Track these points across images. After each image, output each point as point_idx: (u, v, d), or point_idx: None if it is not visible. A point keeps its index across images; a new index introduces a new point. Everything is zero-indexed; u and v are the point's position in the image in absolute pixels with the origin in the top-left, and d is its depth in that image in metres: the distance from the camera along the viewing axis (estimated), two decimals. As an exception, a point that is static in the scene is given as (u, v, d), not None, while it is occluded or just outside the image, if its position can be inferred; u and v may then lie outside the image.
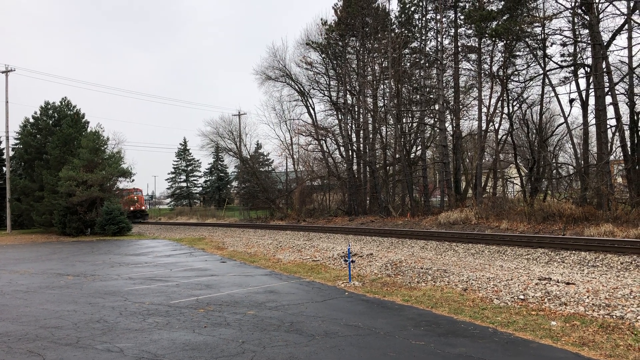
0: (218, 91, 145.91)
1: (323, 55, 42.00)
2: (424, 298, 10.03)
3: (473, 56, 33.74)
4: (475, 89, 34.44)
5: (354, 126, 40.88)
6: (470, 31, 33.14)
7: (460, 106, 35.49)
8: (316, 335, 7.52)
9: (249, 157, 57.49)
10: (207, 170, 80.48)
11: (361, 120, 39.47)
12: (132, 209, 50.75)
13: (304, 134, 45.62)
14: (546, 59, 29.15)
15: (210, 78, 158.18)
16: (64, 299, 11.17)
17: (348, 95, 41.17)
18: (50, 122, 43.25)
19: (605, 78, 24.50)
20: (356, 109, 40.86)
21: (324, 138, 43.17)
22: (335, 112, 42.80)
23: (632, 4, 23.85)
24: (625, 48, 24.93)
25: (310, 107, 44.81)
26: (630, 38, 24.35)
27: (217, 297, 10.87)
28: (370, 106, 38.63)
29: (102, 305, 10.39)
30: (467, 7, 33.28)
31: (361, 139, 40.11)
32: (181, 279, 13.79)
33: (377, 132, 39.42)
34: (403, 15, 37.48)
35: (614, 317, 7.94)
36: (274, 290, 11.59)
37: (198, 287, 12.30)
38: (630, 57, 24.41)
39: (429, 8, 35.75)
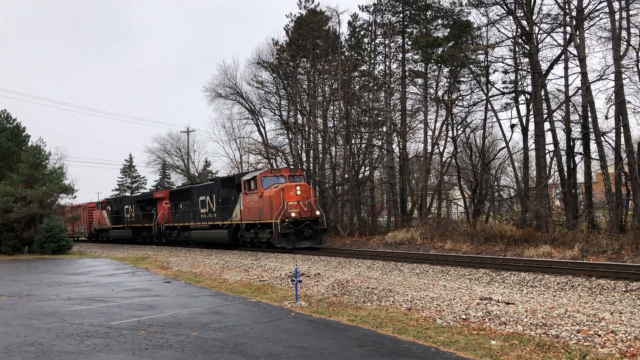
0: (167, 107, 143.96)
1: (274, 75, 42.15)
2: (369, 318, 10.11)
3: (420, 81, 34.65)
4: (421, 112, 35.32)
5: (304, 146, 41.07)
6: (417, 56, 34.09)
7: (407, 129, 36.31)
8: (260, 357, 7.46)
9: (197, 174, 56.73)
10: (153, 188, 78.80)
11: (311, 140, 39.71)
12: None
13: (253, 152, 45.48)
14: (489, 85, 30.30)
15: (158, 94, 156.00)
16: (-4, 321, 10.65)
17: (299, 115, 41.39)
18: (-12, 135, 41.42)
19: (544, 105, 25.65)
20: (306, 129, 41.10)
21: (274, 157, 43.12)
22: (285, 132, 42.89)
23: (568, 36, 25.17)
24: (562, 77, 26.26)
25: (260, 126, 44.78)
26: (566, 68, 25.66)
27: (160, 318, 10.62)
28: (321, 126, 38.96)
29: (38, 327, 9.97)
30: (414, 33, 34.26)
31: (311, 159, 40.31)
32: (123, 300, 13.40)
33: (327, 152, 39.74)
34: (353, 39, 38.21)
35: (550, 335, 8.23)
36: (219, 311, 11.42)
37: (140, 308, 11.98)
38: (566, 85, 25.69)
39: (378, 33, 36.59)
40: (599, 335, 7.92)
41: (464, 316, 9.71)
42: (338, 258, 20.75)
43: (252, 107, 44.43)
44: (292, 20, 39.39)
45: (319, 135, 39.25)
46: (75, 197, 41.90)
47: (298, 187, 24.33)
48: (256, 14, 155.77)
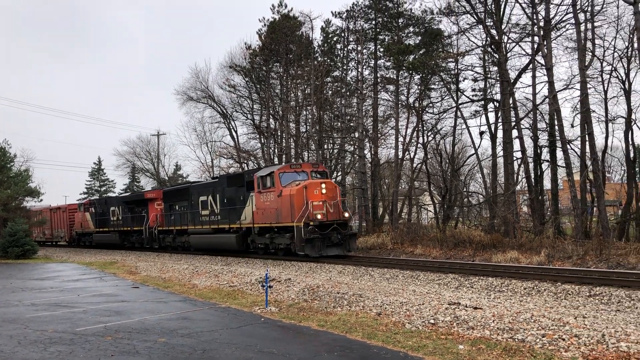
0: (137, 110, 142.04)
1: (247, 79, 42.04)
2: (339, 323, 10.12)
3: (391, 87, 35.04)
4: (393, 118, 35.66)
5: (276, 150, 41.01)
6: (389, 63, 34.46)
7: (379, 135, 36.59)
8: (229, 363, 7.39)
9: (167, 178, 56.10)
10: (122, 192, 77.60)
11: (284, 144, 39.68)
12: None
13: (225, 156, 45.25)
14: (459, 93, 30.77)
15: (129, 96, 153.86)
16: (-44, 328, 10.33)
17: (271, 120, 41.35)
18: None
19: (512, 113, 26.13)
20: (279, 134, 41.08)
21: (245, 161, 42.95)
22: (258, 136, 42.81)
23: (535, 46, 25.72)
24: (530, 86, 26.82)
25: (232, 130, 44.57)
26: (534, 77, 26.23)
27: (127, 324, 10.45)
28: (293, 131, 38.97)
29: (-1, 334, 9.70)
30: (386, 40, 34.60)
31: (283, 164, 40.29)
32: (89, 305, 13.14)
33: (300, 157, 39.76)
34: (326, 45, 38.38)
35: (516, 340, 8.36)
36: (188, 316, 11.29)
37: (107, 314, 11.77)
38: (534, 94, 26.25)
39: (351, 39, 36.88)
40: (563, 339, 8.08)
41: (432, 321, 9.79)
42: (309, 263, 20.74)
43: (224, 110, 44.25)
44: (265, 25, 39.41)
45: (291, 140, 39.24)
46: (41, 200, 40.86)
47: (323, 185, 21.08)
48: (229, 18, 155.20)
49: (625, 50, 24.13)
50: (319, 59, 37.78)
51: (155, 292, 15.68)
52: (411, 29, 34.00)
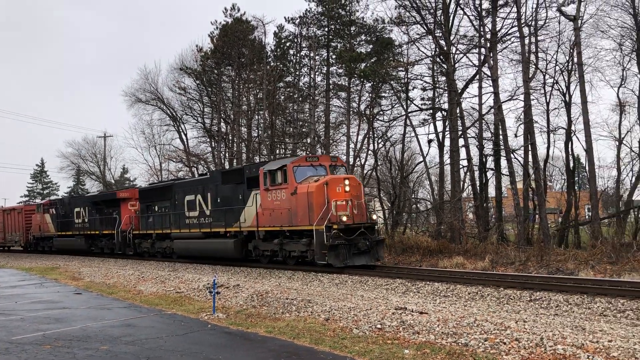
0: (83, 111, 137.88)
1: (198, 82, 41.55)
2: (287, 329, 10.10)
3: (343, 94, 35.33)
4: (344, 125, 35.94)
5: (227, 155, 40.64)
6: (341, 70, 34.75)
7: (331, 141, 36.78)
8: (174, 370, 7.26)
9: (113, 181, 54.67)
10: (66, 194, 75.07)
11: (235, 149, 39.37)
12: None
13: (174, 159, 44.53)
14: (408, 102, 31.35)
15: (75, 96, 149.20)
16: None
17: (222, 124, 41.00)
18: None
19: (459, 122, 26.82)
20: (230, 138, 40.75)
21: (195, 165, 42.37)
22: (208, 140, 42.32)
23: (482, 57, 26.52)
24: (476, 96, 27.62)
25: (182, 133, 43.92)
26: (480, 87, 27.04)
27: (68, 332, 10.10)
28: (245, 136, 38.74)
29: None
30: (338, 47, 34.91)
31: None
32: (27, 313, 12.64)
33: (251, 161, 39.53)
34: (279, 50, 38.38)
35: (460, 344, 8.55)
36: (132, 323, 11.02)
37: (46, 321, 11.34)
38: (480, 104, 27.06)
39: (304, 45, 37.01)
40: (504, 343, 8.32)
41: (379, 326, 9.91)
42: (259, 269, 20.62)
43: (174, 113, 43.58)
44: (217, 28, 39.10)
45: (242, 145, 38.98)
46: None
47: (347, 181, 18.20)
48: (180, 19, 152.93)
49: (566, 64, 25.22)
50: (272, 64, 37.74)
51: (98, 299, 15.24)
52: (363, 37, 34.41)
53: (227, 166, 39.06)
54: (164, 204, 26.41)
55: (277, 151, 38.71)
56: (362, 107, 34.12)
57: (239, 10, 38.90)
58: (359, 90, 34.29)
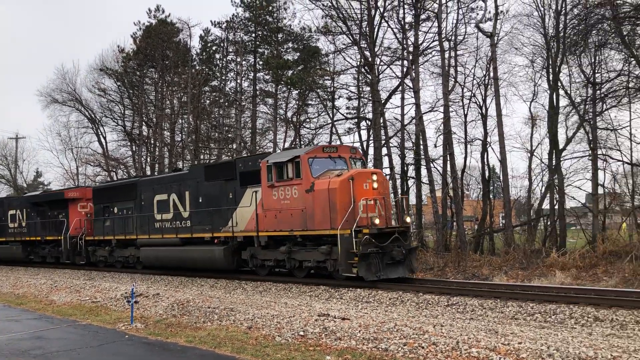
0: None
1: (119, 84, 40.21)
2: (208, 338, 9.92)
3: (270, 101, 35.33)
4: (271, 132, 35.92)
5: (149, 159, 39.52)
6: (268, 77, 34.76)
7: (257, 147, 36.63)
8: (87, 384, 6.95)
9: (25, 185, 51.72)
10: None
11: (157, 153, 38.34)
12: None
13: (92, 163, 42.73)
14: (334, 110, 31.79)
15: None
16: None
17: (144, 127, 39.86)
18: None
19: (382, 132, 27.47)
20: (152, 142, 39.69)
21: (114, 169, 40.86)
22: (129, 143, 40.98)
23: (405, 70, 27.35)
24: (399, 107, 28.40)
25: (101, 136, 42.22)
26: (403, 98, 27.84)
27: (-31, 347, 9.43)
28: (168, 140, 37.85)
29: None
30: (266, 53, 34.92)
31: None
32: None
33: (174, 166, 38.63)
34: (204, 53, 37.89)
35: (380, 349, 8.72)
36: (43, 335, 10.45)
37: (-55, 336, 10.54)
38: (402, 115, 27.84)
39: (230, 50, 36.76)
40: (423, 347, 8.58)
41: (302, 333, 9.93)
42: (180, 277, 20.11)
43: (93, 115, 41.86)
44: (140, 29, 38.10)
45: (165, 149, 38.05)
46: None
47: (375, 176, 15.57)
48: (100, 19, 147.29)
49: (483, 78, 26.44)
50: (197, 68, 37.16)
51: (5, 310, 14.35)
52: (290, 44, 34.61)
53: (148, 172, 37.90)
54: (126, 205, 22.87)
55: (202, 156, 38.09)
56: (289, 114, 34.29)
57: (163, 11, 38.13)
58: (285, 97, 34.45)
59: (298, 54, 33.21)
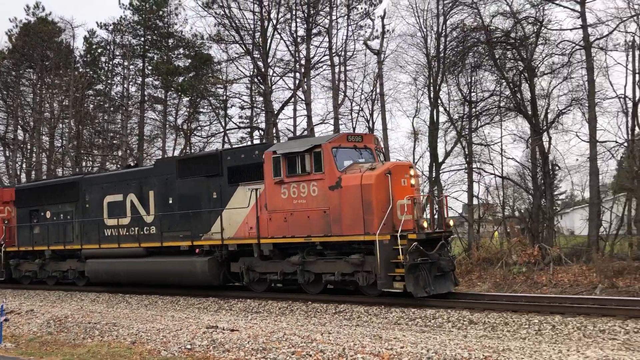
0: None
1: (-10, 83, 37.13)
2: (87, 355, 9.44)
3: (159, 107, 34.35)
4: (160, 139, 34.90)
5: (24, 166, 36.83)
6: (157, 82, 33.84)
7: (145, 155, 35.40)
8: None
9: None
10: None
11: (34, 159, 35.81)
12: None
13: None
14: (227, 119, 31.59)
15: None
16: None
17: (19, 131, 37.09)
18: None
19: (275, 142, 27.69)
20: (29, 147, 37.07)
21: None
22: (1, 148, 37.97)
23: (297, 82, 27.80)
24: (291, 118, 28.79)
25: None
26: (295, 110, 28.28)
27: None
28: (46, 145, 35.51)
29: None
30: (155, 58, 33.95)
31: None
32: None
33: (52, 174, 36.26)
34: (89, 56, 36.14)
35: (269, 359, 8.77)
36: None
37: None
38: (294, 126, 28.25)
39: (117, 53, 35.34)
40: (310, 355, 8.73)
41: (189, 346, 9.74)
42: (58, 292, 18.90)
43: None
44: (17, 26, 35.56)
45: (43, 155, 35.64)
46: None
47: (412, 170, 13.45)
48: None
49: (370, 94, 27.51)
50: (81, 70, 35.29)
51: None
52: (181, 50, 33.94)
53: (23, 179, 35.21)
54: (64, 208, 19.30)
55: (84, 163, 36.14)
56: (180, 121, 33.55)
57: (43, 9, 35.85)
58: (176, 104, 33.69)
59: (189, 60, 32.65)
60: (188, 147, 32.69)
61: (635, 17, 19.46)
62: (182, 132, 32.80)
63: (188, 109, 32.98)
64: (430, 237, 12.73)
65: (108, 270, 17.59)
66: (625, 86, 20.34)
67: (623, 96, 20.27)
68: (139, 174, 17.83)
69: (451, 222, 14.28)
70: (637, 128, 19.97)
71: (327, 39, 25.98)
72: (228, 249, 15.06)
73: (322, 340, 9.61)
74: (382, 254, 12.20)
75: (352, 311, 12.78)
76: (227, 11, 26.90)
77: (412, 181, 13.11)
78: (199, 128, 33.43)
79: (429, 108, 24.48)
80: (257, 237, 14.32)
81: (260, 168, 14.25)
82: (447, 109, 24.65)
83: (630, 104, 20.03)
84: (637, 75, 19.97)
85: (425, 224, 12.76)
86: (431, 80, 24.31)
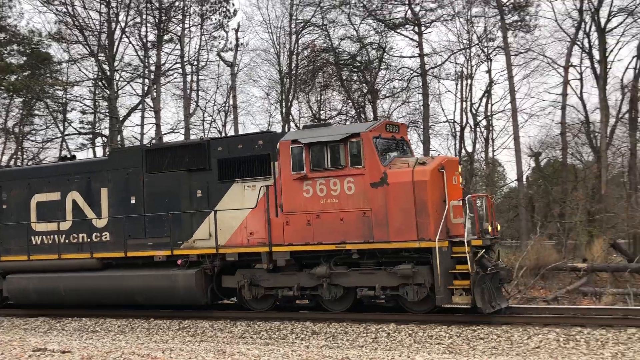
0: None
1: None
2: None
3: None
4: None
5: None
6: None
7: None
8: None
9: None
10: None
11: None
12: None
13: None
14: (66, 123, 29.55)
15: None
16: None
17: None
18: None
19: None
20: None
21: None
22: None
23: (146, 88, 26.86)
24: (139, 125, 27.72)
25: None
26: (143, 117, 27.29)
27: None
28: None
29: None
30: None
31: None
32: None
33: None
34: None
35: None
36: None
37: None
38: (142, 134, 27.27)
39: None
40: (149, 374, 8.43)
41: (11, 372, 8.87)
42: None
43: None
44: None
45: None
46: None
47: (460, 167, 12.04)
48: None
49: (223, 105, 27.44)
50: None
51: None
52: (15, 47, 31.02)
53: None
54: None
55: None
56: (10, 123, 30.67)
57: None
58: (6, 104, 30.69)
59: (25, 58, 29.98)
60: (20, 153, 29.92)
61: (463, 51, 21.81)
62: (12, 136, 29.95)
63: (21, 111, 30.21)
64: (490, 244, 11.20)
65: (42, 289, 14.32)
66: (454, 112, 22.71)
67: (452, 120, 22.56)
68: (85, 167, 14.62)
69: (498, 226, 12.27)
70: (463, 150, 22.28)
71: (179, 46, 25.48)
72: (225, 259, 12.47)
73: (163, 358, 9.33)
74: (442, 264, 10.49)
75: (196, 327, 12.53)
76: (70, 9, 25.29)
77: (461, 179, 11.76)
78: (34, 132, 30.83)
79: (281, 123, 25.05)
80: (269, 245, 11.85)
81: (267, 161, 12.11)
82: (298, 125, 25.38)
83: (458, 128, 22.33)
84: (463, 103, 22.34)
85: (489, 228, 11.13)
86: (283, 97, 24.91)
